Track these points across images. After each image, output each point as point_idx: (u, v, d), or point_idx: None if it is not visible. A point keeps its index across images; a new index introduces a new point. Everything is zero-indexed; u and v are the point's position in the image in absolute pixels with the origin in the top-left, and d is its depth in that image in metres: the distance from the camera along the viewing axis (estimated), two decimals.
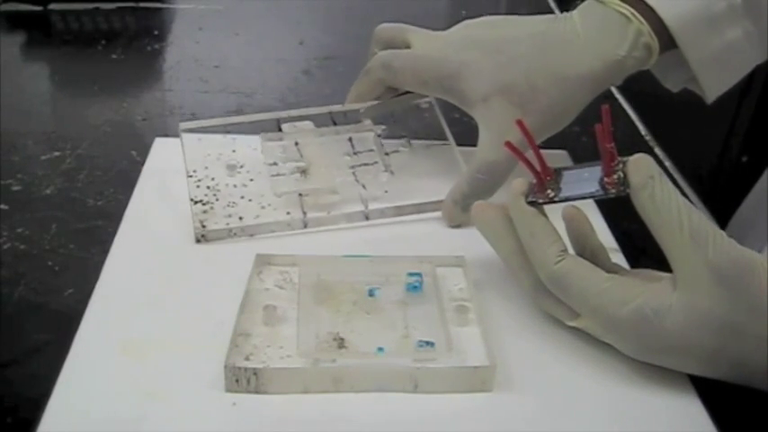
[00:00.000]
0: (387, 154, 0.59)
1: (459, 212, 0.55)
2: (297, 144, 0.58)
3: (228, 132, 0.59)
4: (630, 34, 0.53)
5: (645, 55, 0.54)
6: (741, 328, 0.41)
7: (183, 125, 0.58)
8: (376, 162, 0.58)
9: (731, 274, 0.41)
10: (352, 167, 0.58)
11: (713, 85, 0.57)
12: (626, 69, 0.54)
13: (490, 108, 0.54)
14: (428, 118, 0.62)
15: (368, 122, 0.60)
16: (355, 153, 0.58)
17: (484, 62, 0.55)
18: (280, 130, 0.59)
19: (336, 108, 0.61)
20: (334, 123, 0.60)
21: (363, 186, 0.57)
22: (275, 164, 0.57)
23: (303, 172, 0.56)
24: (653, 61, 0.54)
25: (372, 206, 0.56)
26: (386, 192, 0.57)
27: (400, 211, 0.56)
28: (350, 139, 0.59)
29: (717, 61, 0.55)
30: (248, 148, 0.59)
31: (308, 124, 0.59)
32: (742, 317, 0.41)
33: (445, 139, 0.60)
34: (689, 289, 0.41)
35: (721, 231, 0.42)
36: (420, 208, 0.56)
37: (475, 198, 0.52)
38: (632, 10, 0.53)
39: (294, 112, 0.60)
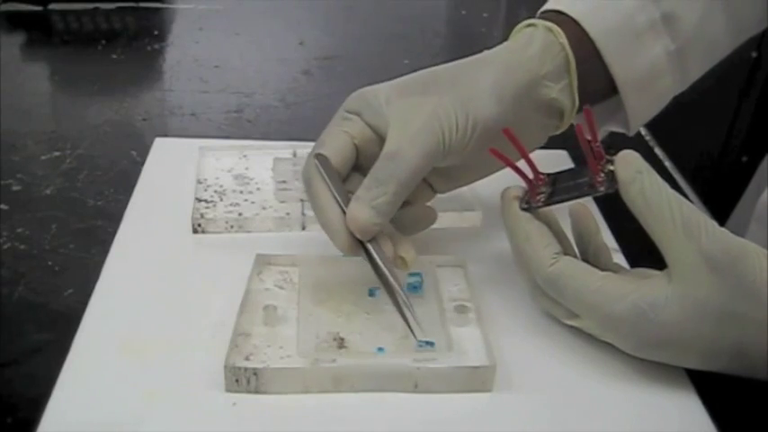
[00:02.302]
0: None
1: (362, 211, 0.45)
2: None
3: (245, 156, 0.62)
4: (537, 40, 0.50)
5: (559, 63, 0.50)
6: (738, 314, 0.41)
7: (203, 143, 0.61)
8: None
9: (725, 261, 0.41)
10: None
11: (637, 109, 0.54)
12: (536, 78, 0.50)
13: (392, 104, 0.48)
14: None
15: None
16: None
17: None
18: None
19: None
20: None
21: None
22: (284, 182, 0.58)
23: None
24: (572, 72, 0.50)
25: None
26: None
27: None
28: None
29: (641, 82, 0.53)
30: (261, 167, 0.60)
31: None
32: (738, 304, 0.41)
33: None
34: (683, 280, 0.41)
35: (713, 221, 0.42)
36: None
37: (374, 192, 0.45)
38: (545, 22, 0.51)
39: (311, 145, 0.61)
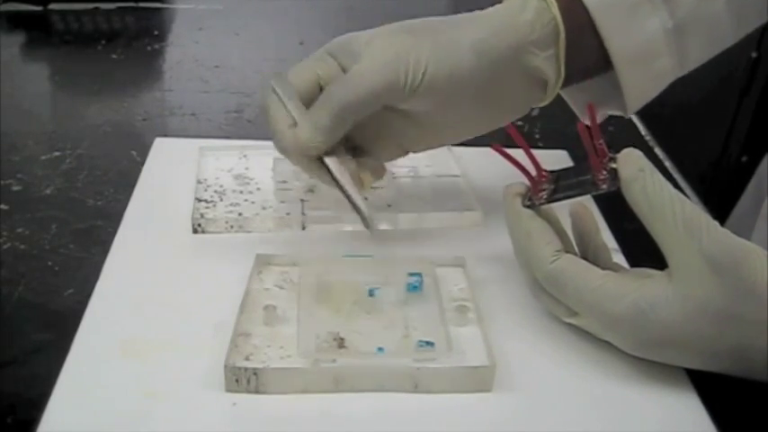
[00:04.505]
0: (394, 178, 0.60)
1: (305, 129, 0.47)
2: None
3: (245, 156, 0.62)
4: (530, 7, 0.50)
5: (548, 33, 0.50)
6: (739, 315, 0.41)
7: (203, 143, 0.62)
8: (384, 187, 0.58)
9: (726, 261, 0.41)
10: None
11: (634, 87, 0.53)
12: (523, 44, 0.50)
13: (370, 45, 0.49)
14: None
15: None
16: None
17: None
18: None
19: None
20: None
21: (366, 198, 0.57)
22: (284, 182, 0.58)
23: (311, 191, 0.57)
24: (560, 44, 0.50)
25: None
26: (389, 205, 0.57)
27: (400, 221, 0.56)
28: None
29: (637, 57, 0.52)
30: (261, 167, 0.60)
31: None
32: (739, 304, 0.41)
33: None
34: (684, 279, 0.41)
35: (714, 221, 0.42)
36: (420, 221, 0.56)
37: (320, 112, 0.47)
38: None
39: None
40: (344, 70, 0.49)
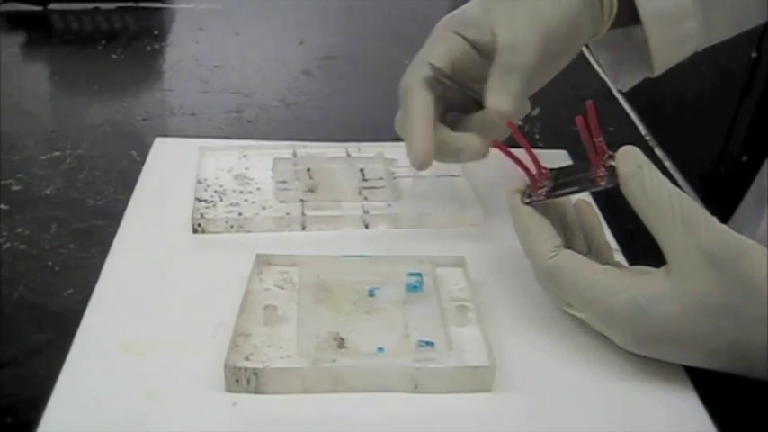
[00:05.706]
0: (394, 178, 0.60)
1: (501, 100, 0.51)
2: (309, 170, 0.59)
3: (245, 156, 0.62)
4: None
5: None
6: (737, 310, 0.41)
7: (203, 143, 0.62)
8: (384, 187, 0.59)
9: (724, 257, 0.41)
10: (360, 191, 0.58)
11: (661, 46, 0.56)
12: None
13: (491, 11, 0.53)
14: None
15: (380, 154, 0.61)
16: (365, 180, 0.59)
17: None
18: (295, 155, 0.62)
19: (353, 145, 0.63)
20: (348, 155, 0.62)
21: (366, 198, 0.57)
22: (284, 182, 0.58)
23: (311, 191, 0.57)
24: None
25: (373, 212, 0.56)
26: (389, 205, 0.57)
27: (400, 221, 0.56)
28: (361, 170, 0.60)
29: (666, 15, 0.54)
30: (261, 167, 0.60)
31: (322, 153, 0.61)
32: (737, 300, 0.41)
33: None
34: (683, 274, 0.41)
35: (713, 217, 0.42)
36: (420, 221, 0.56)
37: (508, 80, 0.51)
38: None
39: (311, 145, 0.62)
40: (470, 41, 0.53)
